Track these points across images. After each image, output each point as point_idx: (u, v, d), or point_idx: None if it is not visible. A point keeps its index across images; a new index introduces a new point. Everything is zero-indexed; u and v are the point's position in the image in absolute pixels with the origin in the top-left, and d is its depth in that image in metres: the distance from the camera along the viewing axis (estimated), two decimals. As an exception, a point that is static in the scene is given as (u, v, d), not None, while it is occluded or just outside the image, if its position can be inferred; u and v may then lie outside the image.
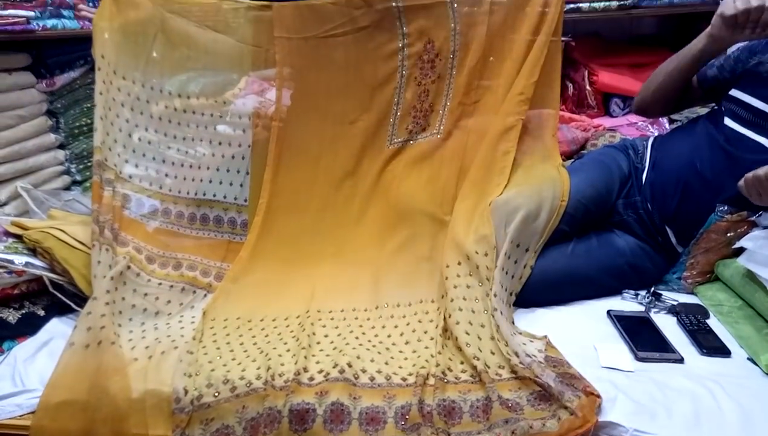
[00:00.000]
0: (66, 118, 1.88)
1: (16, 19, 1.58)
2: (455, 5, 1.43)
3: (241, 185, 1.48)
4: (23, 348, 1.12)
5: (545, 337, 1.11)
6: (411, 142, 1.51)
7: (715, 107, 1.31)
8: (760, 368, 1.03)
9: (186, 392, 0.99)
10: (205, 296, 1.32)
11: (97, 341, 1.07)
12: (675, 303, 1.23)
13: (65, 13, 1.80)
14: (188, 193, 1.46)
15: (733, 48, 1.31)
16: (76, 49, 1.91)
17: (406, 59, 1.47)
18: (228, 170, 1.48)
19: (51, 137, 1.82)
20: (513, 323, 1.17)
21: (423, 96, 1.49)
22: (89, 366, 1.03)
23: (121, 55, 1.41)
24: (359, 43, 1.46)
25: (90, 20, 1.91)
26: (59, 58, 1.83)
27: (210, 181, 1.47)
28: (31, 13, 1.63)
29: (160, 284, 1.30)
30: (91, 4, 1.97)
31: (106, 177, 1.35)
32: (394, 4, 1.42)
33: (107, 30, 1.38)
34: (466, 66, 1.46)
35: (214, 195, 1.47)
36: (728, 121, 1.22)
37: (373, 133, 1.50)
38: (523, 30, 1.41)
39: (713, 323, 1.17)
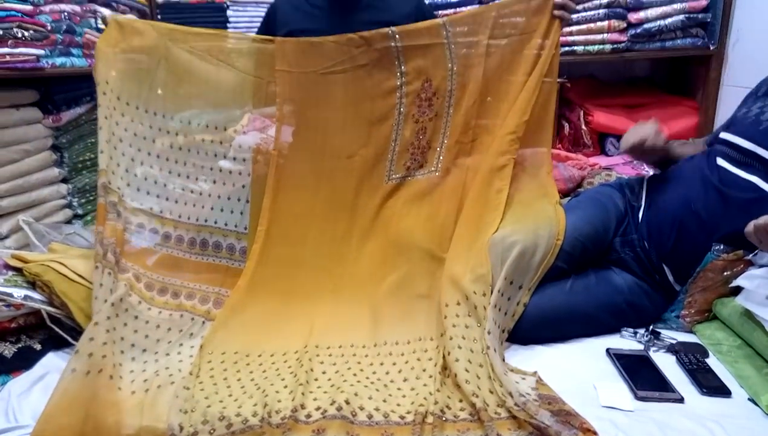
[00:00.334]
0: (70, 152, 1.91)
1: (27, 57, 1.62)
2: (452, 46, 1.47)
3: (242, 213, 1.49)
4: (18, 383, 1.11)
5: (536, 373, 1.11)
6: (409, 178, 1.53)
7: (707, 148, 1.34)
8: (760, 408, 1.02)
9: (181, 428, 0.98)
10: (204, 323, 1.32)
11: (98, 369, 1.06)
12: (674, 342, 1.22)
13: (74, 51, 1.85)
14: (189, 218, 1.47)
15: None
16: (82, 86, 1.96)
17: (404, 97, 1.51)
18: (229, 199, 1.51)
19: (55, 171, 1.84)
20: (504, 360, 1.17)
21: (420, 133, 1.52)
22: (86, 394, 1.02)
23: (125, 82, 1.43)
24: (358, 81, 1.50)
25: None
26: (66, 95, 1.87)
27: (211, 209, 1.49)
28: (41, 52, 1.67)
29: (159, 312, 1.30)
30: (99, 43, 2.02)
31: (110, 200, 1.36)
32: (392, 43, 1.47)
33: (111, 55, 1.40)
34: (463, 105, 1.49)
35: (215, 222, 1.48)
36: (720, 162, 1.24)
37: (370, 168, 1.52)
38: (520, 72, 1.45)
39: (713, 362, 1.17)
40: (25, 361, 1.17)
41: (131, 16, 2.14)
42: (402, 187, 1.52)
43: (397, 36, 1.46)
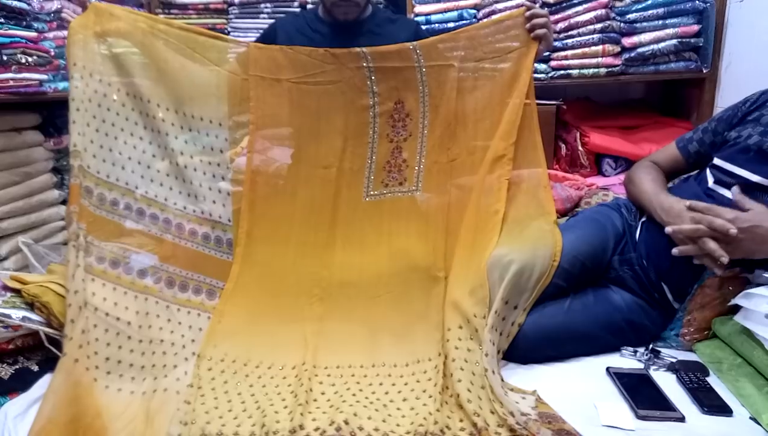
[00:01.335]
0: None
1: (30, 82, 1.65)
2: (423, 69, 1.49)
3: (224, 205, 1.49)
4: (14, 405, 1.10)
5: (535, 392, 1.10)
6: (389, 195, 1.54)
7: (702, 171, 1.35)
8: (762, 427, 1.02)
9: None
10: (199, 315, 1.33)
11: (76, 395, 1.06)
12: (674, 360, 1.22)
13: (77, 75, 1.88)
14: (175, 204, 1.45)
15: (708, 122, 1.38)
16: (84, 110, 1.98)
17: (377, 116, 1.53)
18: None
19: (55, 193, 1.86)
20: (503, 379, 1.16)
21: (396, 152, 1.54)
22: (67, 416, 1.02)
23: (102, 65, 1.37)
24: (331, 95, 1.51)
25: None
26: (67, 118, 1.89)
27: (195, 197, 1.47)
28: (44, 76, 1.70)
29: (157, 302, 1.31)
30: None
31: (86, 184, 1.31)
32: (364, 64, 1.49)
33: (86, 37, 1.35)
34: (438, 127, 1.51)
35: (202, 212, 1.47)
36: (714, 186, 1.26)
37: (348, 182, 1.53)
38: (496, 94, 1.46)
39: (713, 380, 1.16)
40: (22, 382, 1.16)
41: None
42: (384, 204, 1.53)
43: (368, 57, 1.48)
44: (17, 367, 1.18)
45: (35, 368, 1.20)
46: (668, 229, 1.17)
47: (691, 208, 1.18)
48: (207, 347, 1.25)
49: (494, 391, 1.06)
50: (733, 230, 1.09)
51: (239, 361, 1.22)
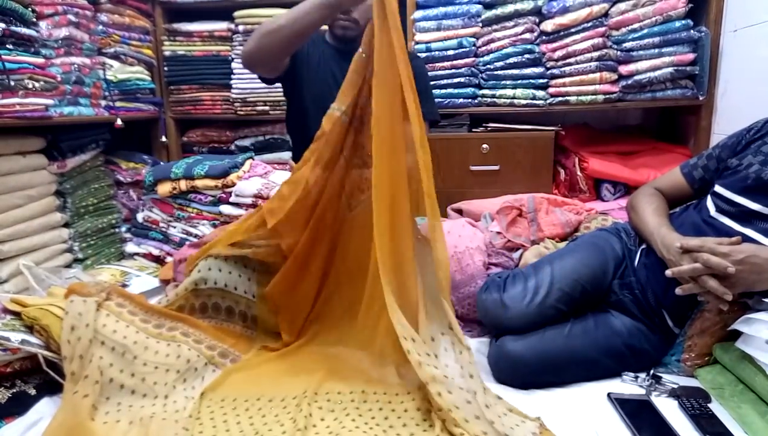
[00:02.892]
0: (73, 198, 1.94)
1: (36, 107, 1.67)
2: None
3: (249, 279, 1.45)
4: (10, 429, 1.09)
5: (539, 418, 1.09)
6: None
7: (702, 198, 1.36)
8: (766, 454, 1.01)
9: None
10: (206, 364, 1.29)
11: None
12: (676, 386, 1.21)
13: (82, 101, 1.91)
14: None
15: (713, 148, 1.39)
16: (88, 134, 2.01)
17: None
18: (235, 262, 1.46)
19: (57, 216, 1.86)
20: (499, 398, 1.15)
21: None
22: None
23: None
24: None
25: (104, 107, 2.02)
26: (72, 142, 1.91)
27: (219, 271, 1.43)
28: (50, 102, 1.72)
29: (158, 342, 1.28)
30: (107, 93, 2.08)
31: None
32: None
33: None
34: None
35: (225, 285, 1.43)
36: (715, 214, 1.27)
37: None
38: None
39: (715, 407, 1.15)
40: (19, 406, 1.14)
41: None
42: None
43: None
44: (14, 390, 1.17)
45: (33, 391, 1.19)
46: (668, 272, 1.18)
47: (684, 249, 1.17)
48: (212, 389, 1.23)
49: (485, 414, 1.05)
50: (731, 269, 1.09)
51: (240, 399, 1.21)
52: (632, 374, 1.25)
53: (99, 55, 2.09)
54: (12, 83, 1.59)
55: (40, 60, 1.70)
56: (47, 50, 1.76)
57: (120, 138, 2.22)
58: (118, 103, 2.13)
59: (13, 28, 1.60)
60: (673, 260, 1.21)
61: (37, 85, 1.67)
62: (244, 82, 2.49)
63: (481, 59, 2.24)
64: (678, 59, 2.06)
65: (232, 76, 2.51)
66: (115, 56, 2.17)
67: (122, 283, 1.73)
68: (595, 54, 2.11)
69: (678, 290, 1.17)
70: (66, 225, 1.91)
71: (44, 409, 1.16)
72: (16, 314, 1.30)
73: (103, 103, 2.05)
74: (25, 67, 1.64)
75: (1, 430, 1.09)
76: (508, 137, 2.21)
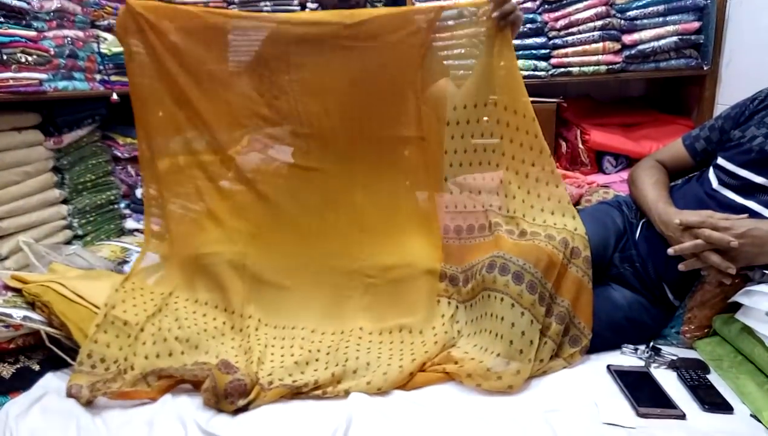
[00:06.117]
0: (71, 174, 1.92)
1: (30, 81, 1.64)
2: None
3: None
4: (16, 404, 1.10)
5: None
6: None
7: (704, 171, 1.35)
8: (763, 424, 1.02)
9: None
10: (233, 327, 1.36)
11: None
12: (675, 358, 1.22)
13: (76, 75, 1.88)
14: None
15: (715, 119, 1.37)
16: (84, 108, 1.98)
17: None
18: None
19: (55, 193, 1.85)
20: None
21: None
22: None
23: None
24: None
25: (99, 81, 1.99)
26: (68, 117, 1.89)
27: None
28: (44, 76, 1.69)
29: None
30: (102, 67, 2.05)
31: None
32: None
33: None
34: None
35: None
36: (717, 187, 1.26)
37: None
38: None
39: (714, 378, 1.16)
40: (23, 381, 1.16)
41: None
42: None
43: None
44: (18, 366, 1.19)
45: (36, 367, 1.20)
46: (670, 250, 1.18)
47: (684, 226, 1.17)
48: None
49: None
50: (734, 242, 1.09)
51: (277, 325, 1.36)
52: (632, 347, 1.26)
53: (92, 27, 2.04)
54: (4, 57, 1.56)
55: (32, 33, 1.67)
56: (39, 23, 1.72)
57: (117, 113, 2.19)
58: (113, 78, 2.09)
59: (3, 0, 1.57)
60: (672, 237, 1.20)
61: (30, 59, 1.64)
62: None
63: (482, 29, 2.20)
64: (683, 28, 2.02)
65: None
66: (109, 29, 2.12)
67: (123, 259, 1.73)
68: (598, 23, 2.07)
69: (681, 266, 1.17)
70: (65, 202, 1.90)
71: (48, 384, 1.17)
72: (17, 291, 1.30)
73: (98, 77, 2.02)
74: (17, 40, 1.60)
75: (6, 405, 1.10)
76: (509, 109, 2.18)
